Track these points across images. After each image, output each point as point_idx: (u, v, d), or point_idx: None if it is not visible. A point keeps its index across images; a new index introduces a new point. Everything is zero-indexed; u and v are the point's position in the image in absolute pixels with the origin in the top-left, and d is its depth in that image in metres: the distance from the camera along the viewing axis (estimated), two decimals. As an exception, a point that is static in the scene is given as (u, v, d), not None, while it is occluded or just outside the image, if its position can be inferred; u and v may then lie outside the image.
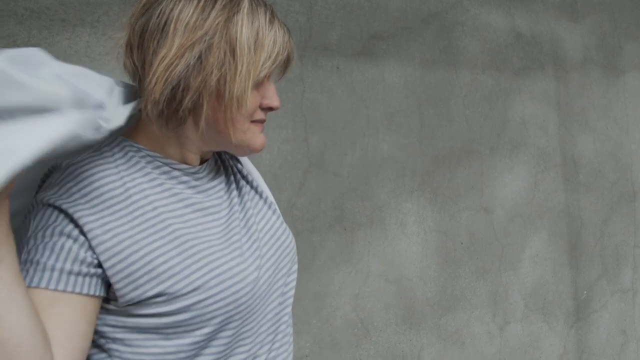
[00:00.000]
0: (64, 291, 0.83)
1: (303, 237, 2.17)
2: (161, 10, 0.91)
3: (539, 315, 2.87)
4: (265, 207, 1.12)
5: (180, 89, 0.89)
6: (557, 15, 3.00)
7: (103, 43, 1.77)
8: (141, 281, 0.86)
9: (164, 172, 0.98)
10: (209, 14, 0.90)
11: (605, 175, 3.19)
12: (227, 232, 1.00)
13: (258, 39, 0.92)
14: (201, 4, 0.91)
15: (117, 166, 0.93)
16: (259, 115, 0.99)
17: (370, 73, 2.35)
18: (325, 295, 2.20)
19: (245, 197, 1.10)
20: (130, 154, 0.96)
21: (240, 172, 1.14)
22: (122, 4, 1.83)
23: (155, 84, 0.88)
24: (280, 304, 1.08)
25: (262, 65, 0.93)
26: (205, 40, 0.89)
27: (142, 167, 0.95)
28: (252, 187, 1.14)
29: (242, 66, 0.91)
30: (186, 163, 1.01)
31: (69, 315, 0.83)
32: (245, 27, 0.91)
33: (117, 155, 0.94)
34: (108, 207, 0.88)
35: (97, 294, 0.86)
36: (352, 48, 2.31)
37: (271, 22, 0.95)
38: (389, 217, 2.38)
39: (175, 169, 0.99)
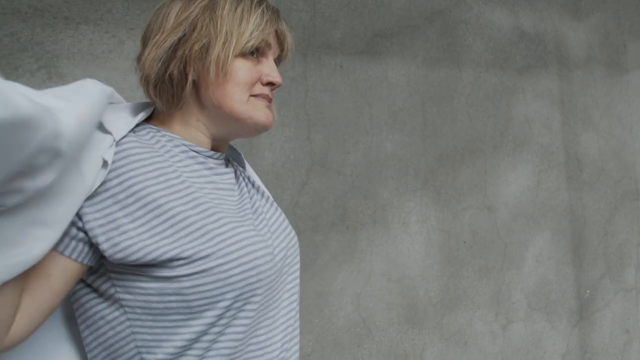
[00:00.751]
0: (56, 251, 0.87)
1: (305, 235, 2.16)
2: (159, 12, 1.04)
3: (542, 315, 2.86)
4: (273, 208, 1.14)
5: (167, 59, 0.99)
6: (561, 13, 2.99)
7: (106, 41, 1.77)
8: (162, 236, 0.89)
9: (183, 151, 1.02)
10: (195, 2, 1.01)
11: (609, 173, 3.18)
12: (240, 211, 1.04)
13: (242, 13, 1.01)
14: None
15: (143, 143, 0.98)
16: (260, 89, 1.04)
17: (373, 71, 2.34)
18: (328, 294, 2.20)
19: (254, 196, 1.13)
20: (155, 137, 1.02)
21: (247, 177, 1.17)
22: (126, 2, 1.82)
23: (147, 61, 0.99)
24: (290, 296, 1.10)
25: (245, 35, 1.00)
26: (189, 19, 0.99)
27: (163, 146, 1.01)
28: (257, 190, 1.16)
29: (222, 34, 0.99)
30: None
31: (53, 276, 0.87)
32: (227, 5, 1.00)
33: (145, 137, 1.01)
34: (134, 169, 0.92)
35: (83, 261, 0.89)
36: (355, 46, 2.30)
37: (259, 4, 1.03)
38: (392, 215, 2.37)
39: (193, 150, 1.04)
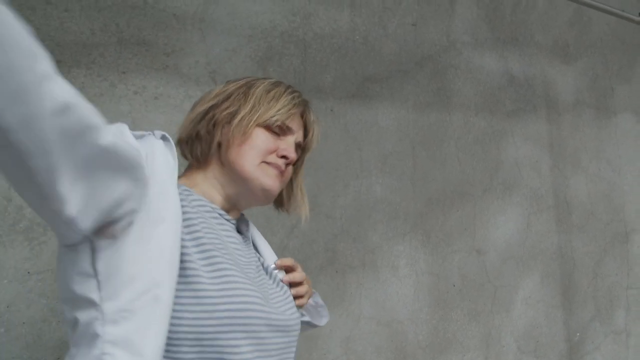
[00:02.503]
0: None
1: (294, 279, 2.15)
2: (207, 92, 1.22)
3: (531, 358, 2.85)
4: (277, 288, 1.18)
5: (199, 120, 1.14)
6: (549, 57, 3.03)
7: (98, 84, 1.78)
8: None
9: (208, 212, 1.10)
10: (236, 81, 1.20)
11: (598, 216, 3.19)
12: (246, 271, 1.09)
13: (274, 95, 1.14)
14: (234, 80, 1.21)
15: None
16: (273, 159, 1.14)
17: (364, 115, 2.36)
18: (317, 337, 2.18)
19: (260, 271, 1.18)
20: (184, 194, 1.09)
21: (259, 254, 1.25)
22: (118, 45, 1.84)
23: (184, 123, 1.18)
24: (287, 353, 1.13)
25: (271, 110, 1.13)
26: (226, 93, 1.16)
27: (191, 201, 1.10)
28: (266, 271, 1.21)
29: (250, 104, 1.12)
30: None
31: None
32: (263, 86, 1.16)
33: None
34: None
35: None
36: (346, 90, 2.32)
37: (292, 92, 1.18)
38: (381, 259, 2.37)
39: (216, 212, 1.12)
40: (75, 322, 0.92)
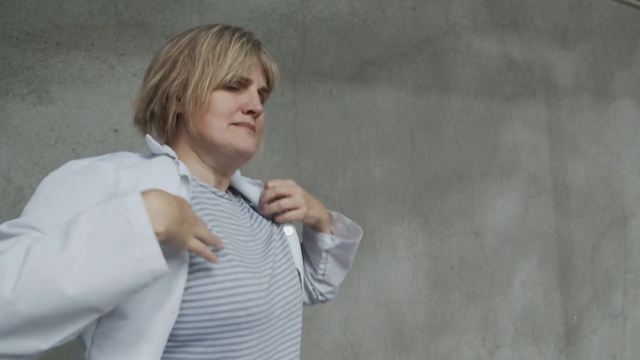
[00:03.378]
0: None
1: (293, 260, 2.17)
2: (155, 55, 1.13)
3: (529, 340, 2.87)
4: (282, 254, 1.17)
5: (150, 98, 1.08)
6: (549, 42, 3.04)
7: (97, 66, 1.79)
8: None
9: (202, 192, 1.08)
10: (184, 36, 1.10)
11: (596, 200, 3.21)
12: (244, 250, 1.08)
13: (220, 48, 1.06)
14: (176, 38, 1.11)
15: None
16: (240, 117, 1.09)
17: (362, 98, 2.37)
18: (315, 318, 2.21)
19: (273, 237, 1.17)
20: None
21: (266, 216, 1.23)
22: (117, 28, 1.85)
23: (135, 102, 1.11)
24: (292, 342, 1.13)
25: (223, 68, 1.05)
26: (171, 59, 1.08)
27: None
28: (278, 229, 1.21)
29: (199, 69, 1.05)
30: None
31: None
32: (207, 42, 1.06)
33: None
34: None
35: None
36: (345, 73, 2.33)
37: (239, 39, 1.09)
38: (380, 241, 2.39)
39: (210, 190, 1.11)
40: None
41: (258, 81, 1.13)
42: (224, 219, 1.08)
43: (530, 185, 2.90)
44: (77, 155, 1.73)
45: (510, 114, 2.84)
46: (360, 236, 1.39)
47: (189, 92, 1.05)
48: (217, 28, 1.10)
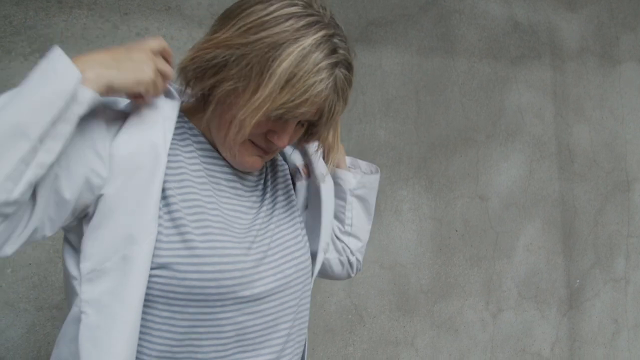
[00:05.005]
0: None
1: (299, 222, 2.17)
2: (245, 2, 0.95)
3: (532, 304, 2.89)
4: (287, 225, 1.12)
5: (198, 71, 0.94)
6: (554, 4, 3.00)
7: (100, 25, 1.76)
8: None
9: (203, 153, 1.03)
10: (269, 28, 0.90)
11: (600, 164, 3.20)
12: (235, 221, 1.03)
13: (293, 79, 0.88)
14: (273, 15, 0.90)
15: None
16: (261, 140, 1.00)
17: (367, 59, 2.35)
18: (320, 280, 2.21)
19: (276, 208, 1.12)
20: (183, 129, 1.02)
21: (276, 185, 1.16)
22: (120, -14, 1.82)
23: (188, 55, 0.95)
24: (293, 318, 1.08)
25: (280, 104, 0.90)
26: (241, 50, 0.90)
27: (186, 138, 1.02)
28: (285, 198, 1.15)
29: (259, 96, 0.89)
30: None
31: None
32: (288, 62, 0.88)
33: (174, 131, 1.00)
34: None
35: None
36: (349, 34, 2.29)
37: (321, 70, 0.90)
38: (384, 203, 2.39)
39: (214, 153, 1.04)
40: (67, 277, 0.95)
41: (302, 117, 0.98)
42: (218, 183, 1.03)
43: (534, 148, 2.89)
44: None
45: (516, 77, 2.82)
46: (379, 174, 1.37)
47: (237, 115, 0.93)
48: (312, 39, 0.89)
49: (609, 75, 3.25)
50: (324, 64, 0.89)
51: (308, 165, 1.22)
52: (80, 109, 0.78)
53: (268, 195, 1.12)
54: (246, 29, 0.90)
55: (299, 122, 1.00)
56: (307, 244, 1.15)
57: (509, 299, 2.80)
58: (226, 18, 0.95)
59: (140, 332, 0.92)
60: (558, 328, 2.99)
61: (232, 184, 1.05)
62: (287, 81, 0.88)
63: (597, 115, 3.19)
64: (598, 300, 3.19)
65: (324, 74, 0.90)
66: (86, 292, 0.87)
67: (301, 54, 0.88)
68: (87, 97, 0.79)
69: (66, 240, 0.96)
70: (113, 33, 1.79)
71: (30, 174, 0.76)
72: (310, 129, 1.07)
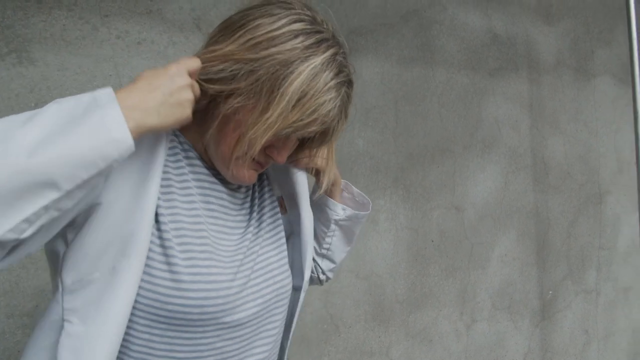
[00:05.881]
0: None
1: (276, 231, 2.15)
2: (249, 14, 0.92)
3: (505, 314, 2.90)
4: (272, 246, 1.09)
5: (203, 84, 0.90)
6: (532, 17, 3.03)
7: (80, 27, 1.73)
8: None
9: (193, 169, 1.00)
10: (279, 44, 0.88)
11: (574, 177, 3.23)
12: (223, 242, 1.00)
13: (304, 98, 0.88)
14: (281, 31, 0.89)
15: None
16: (258, 155, 0.97)
17: (347, 68, 2.34)
18: (296, 290, 2.19)
19: (262, 226, 1.09)
20: (174, 145, 0.98)
21: (262, 203, 1.13)
22: (99, -13, 1.79)
23: (208, 60, 0.90)
24: (269, 342, 1.06)
25: (291, 124, 0.89)
26: (250, 65, 0.87)
27: (176, 153, 0.98)
28: (271, 217, 1.12)
29: (272, 114, 0.87)
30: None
31: None
32: (300, 80, 0.87)
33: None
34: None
35: None
36: (330, 42, 2.29)
37: (330, 89, 0.90)
38: (362, 213, 2.37)
39: (204, 167, 1.02)
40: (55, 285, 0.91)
41: (305, 134, 0.97)
42: (207, 201, 1.00)
43: (510, 160, 2.91)
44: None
45: (493, 89, 2.83)
46: (370, 207, 1.33)
47: (247, 134, 0.90)
48: (322, 58, 0.89)
49: (583, 88, 3.29)
50: (332, 83, 0.89)
51: (283, 198, 1.20)
52: (116, 164, 0.75)
53: (255, 214, 1.10)
54: (255, 42, 0.88)
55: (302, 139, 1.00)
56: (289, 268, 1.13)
57: (482, 310, 2.81)
58: (229, 29, 0.92)
59: (120, 352, 0.90)
60: (530, 339, 3.01)
61: (221, 202, 1.03)
62: (298, 100, 0.87)
63: (571, 128, 3.23)
64: (570, 311, 3.22)
65: (333, 93, 0.90)
66: (69, 301, 0.84)
67: (312, 73, 0.87)
68: (126, 155, 0.75)
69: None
70: (93, 35, 1.75)
71: (47, 217, 0.72)
72: (304, 144, 1.06)
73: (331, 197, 1.26)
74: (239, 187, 1.08)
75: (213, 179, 1.02)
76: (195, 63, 0.87)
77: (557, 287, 3.15)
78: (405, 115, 2.50)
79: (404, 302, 2.52)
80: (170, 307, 0.88)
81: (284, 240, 1.13)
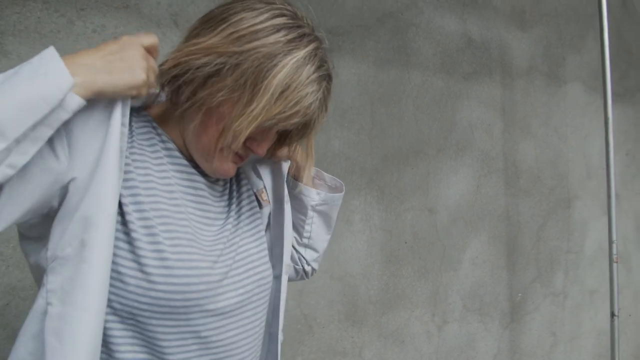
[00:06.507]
0: None
1: (251, 230, 2.14)
2: (231, 7, 0.93)
3: (475, 316, 2.93)
4: (252, 238, 1.10)
5: (184, 78, 0.91)
6: (506, 23, 3.06)
7: (55, 20, 1.70)
8: None
9: (171, 159, 1.00)
10: (262, 38, 0.89)
11: (544, 181, 3.28)
12: (202, 232, 1.00)
13: (287, 90, 0.89)
14: (264, 24, 0.90)
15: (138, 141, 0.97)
16: (237, 147, 0.97)
17: (325, 68, 2.34)
18: (270, 289, 2.18)
19: (241, 218, 1.10)
20: (151, 134, 0.99)
21: (240, 196, 1.13)
22: (76, -20, 1.76)
23: (170, 60, 0.92)
24: (254, 334, 1.06)
25: (274, 116, 0.90)
26: (235, 58, 0.89)
27: (154, 145, 0.98)
28: (250, 211, 1.13)
29: (255, 107, 0.89)
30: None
31: None
32: (283, 73, 0.88)
33: (141, 131, 0.98)
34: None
35: None
36: (308, 42, 2.29)
37: (312, 82, 0.92)
38: (337, 213, 2.38)
39: (182, 159, 1.02)
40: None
41: (285, 127, 0.99)
42: (186, 192, 1.00)
43: (483, 163, 2.94)
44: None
45: (467, 92, 2.86)
46: (344, 190, 1.34)
47: (232, 126, 0.91)
48: (304, 51, 0.91)
49: (554, 94, 3.34)
50: (314, 76, 0.92)
51: (265, 190, 1.20)
52: (65, 115, 0.76)
53: (234, 206, 1.10)
54: (238, 36, 0.89)
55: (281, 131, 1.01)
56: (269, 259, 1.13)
57: (454, 311, 2.83)
58: (211, 22, 0.93)
59: (106, 343, 0.89)
60: (500, 340, 3.05)
61: (200, 192, 1.03)
62: (282, 92, 0.89)
63: (542, 133, 3.27)
64: (538, 313, 3.26)
65: (315, 86, 0.92)
66: (51, 282, 0.83)
67: (295, 66, 0.89)
68: (75, 105, 0.76)
69: (26, 238, 0.92)
70: (68, 28, 1.72)
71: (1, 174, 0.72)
72: (283, 137, 1.09)
73: (302, 182, 1.27)
74: (217, 179, 1.09)
75: (192, 170, 1.03)
76: (151, 39, 0.89)
77: (526, 290, 3.19)
78: (381, 116, 2.51)
79: (377, 302, 2.52)
80: (153, 293, 0.88)
81: (263, 232, 1.14)
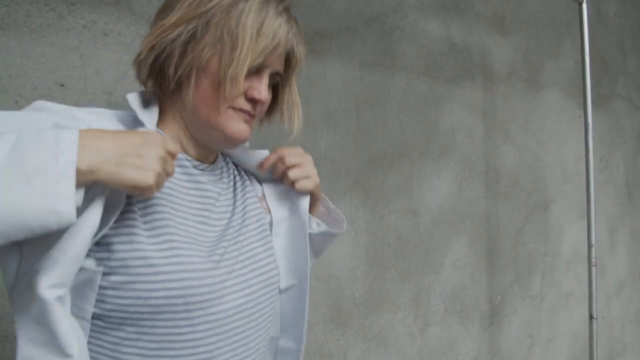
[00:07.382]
0: None
1: (238, 231, 2.12)
2: None
3: (456, 318, 2.94)
4: (257, 238, 1.09)
5: (164, 55, 0.94)
6: (488, 28, 3.10)
7: (45, 14, 1.67)
8: None
9: (180, 166, 1.01)
10: None
11: (522, 185, 3.32)
12: (205, 234, 0.99)
13: (262, 27, 0.94)
14: None
15: None
16: (242, 103, 0.99)
17: (312, 70, 2.34)
18: (257, 291, 2.17)
19: (246, 221, 1.09)
20: None
21: (245, 195, 1.13)
22: (64, -24, 1.73)
23: (145, 48, 0.95)
24: (262, 334, 1.05)
25: (260, 53, 0.94)
26: (204, 18, 0.93)
27: None
28: (254, 213, 1.12)
29: (241, 50, 0.92)
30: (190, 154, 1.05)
31: None
32: (252, 13, 0.93)
33: None
34: None
35: None
36: (296, 43, 2.28)
37: (280, 14, 0.97)
38: (323, 215, 2.37)
39: (186, 160, 1.03)
40: None
41: (274, 66, 1.01)
42: (187, 194, 1.00)
43: (464, 167, 2.96)
44: (19, 109, 1.61)
45: (450, 96, 2.88)
46: (344, 226, 1.34)
47: (227, 74, 0.93)
48: None
49: (533, 100, 3.38)
50: (280, 8, 0.97)
51: (265, 198, 1.20)
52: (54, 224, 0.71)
53: (239, 203, 1.09)
54: (199, 1, 0.94)
55: (269, 79, 1.03)
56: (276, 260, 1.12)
57: (435, 314, 2.84)
58: (168, 2, 0.98)
59: (110, 357, 0.89)
60: (480, 343, 3.07)
61: (204, 193, 1.03)
62: (258, 30, 0.94)
63: (521, 138, 3.31)
64: (516, 316, 3.30)
65: (285, 16, 0.98)
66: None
67: (259, 5, 0.94)
68: (63, 227, 0.72)
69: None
70: (58, 23, 1.69)
71: None
72: (277, 89, 1.12)
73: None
74: (221, 177, 1.09)
75: (195, 170, 1.03)
76: (176, 147, 0.86)
77: (505, 293, 3.22)
78: (366, 119, 2.52)
79: (362, 305, 2.52)
80: (153, 301, 0.86)
81: (269, 232, 1.13)
